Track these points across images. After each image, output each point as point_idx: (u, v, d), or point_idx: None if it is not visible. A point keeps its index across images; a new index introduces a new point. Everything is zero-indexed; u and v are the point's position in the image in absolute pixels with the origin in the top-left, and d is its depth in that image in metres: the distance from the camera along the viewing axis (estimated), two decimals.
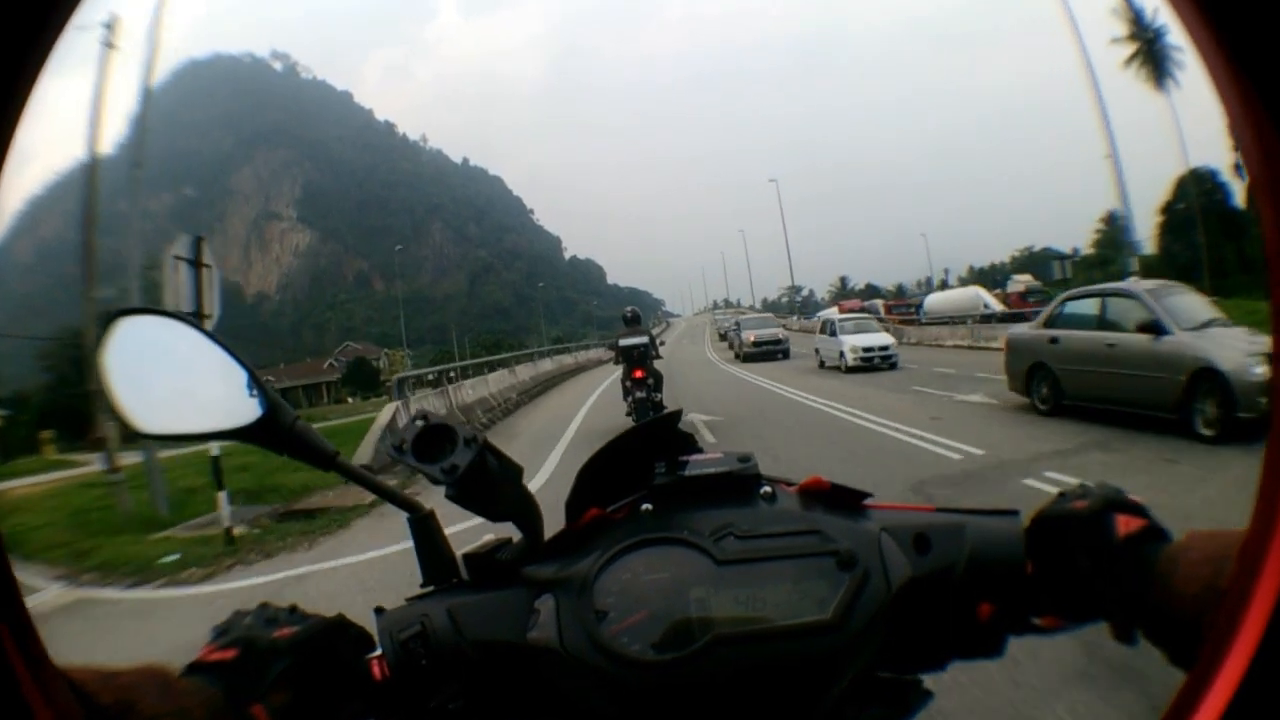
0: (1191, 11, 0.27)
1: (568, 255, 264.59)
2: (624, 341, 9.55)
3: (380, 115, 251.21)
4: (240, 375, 0.55)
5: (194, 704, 0.40)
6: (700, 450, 0.59)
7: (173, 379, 0.56)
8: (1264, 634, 0.27)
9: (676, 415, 0.59)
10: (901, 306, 40.63)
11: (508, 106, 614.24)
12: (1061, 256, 78.42)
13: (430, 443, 0.50)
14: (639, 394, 9.39)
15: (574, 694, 0.50)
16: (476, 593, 0.55)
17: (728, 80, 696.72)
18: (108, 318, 0.51)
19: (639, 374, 9.43)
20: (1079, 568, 0.46)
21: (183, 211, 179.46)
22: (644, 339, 9.57)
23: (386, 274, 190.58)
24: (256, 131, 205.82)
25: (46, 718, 0.27)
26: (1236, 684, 0.27)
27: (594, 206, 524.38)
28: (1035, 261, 77.75)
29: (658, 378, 9.64)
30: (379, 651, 0.52)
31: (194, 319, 0.53)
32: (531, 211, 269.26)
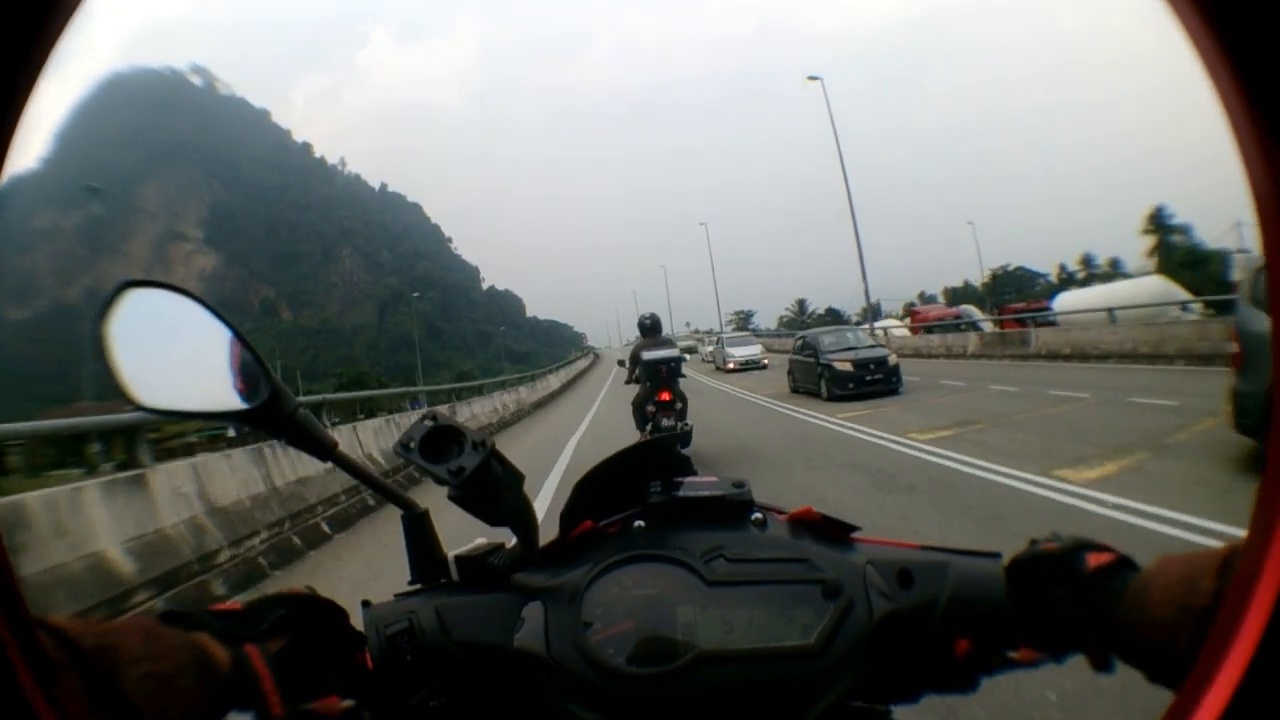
0: (1191, 11, 0.28)
1: (486, 286, 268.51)
2: (649, 355, 7.73)
3: (301, 137, 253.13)
4: (246, 358, 0.56)
5: (178, 645, 0.41)
6: (695, 472, 0.62)
7: (177, 355, 0.57)
8: (1260, 642, 0.28)
9: (677, 437, 0.65)
10: (1029, 312, 26.81)
11: (433, 134, 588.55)
12: (1039, 275, 73.11)
13: (437, 443, 0.53)
14: (665, 422, 7.66)
15: (558, 702, 0.52)
16: (465, 594, 0.57)
17: (658, 114, 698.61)
18: (115, 288, 0.51)
19: (666, 396, 7.72)
20: (1054, 600, 0.49)
21: (90, 230, 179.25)
22: (674, 352, 7.94)
23: (295, 302, 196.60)
24: (165, 146, 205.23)
25: (23, 668, 0.28)
26: (1233, 690, 0.28)
27: (516, 237, 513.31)
28: (1012, 281, 73.50)
29: (684, 401, 7.94)
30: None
31: (202, 298, 0.55)
32: (450, 240, 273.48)
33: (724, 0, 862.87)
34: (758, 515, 0.59)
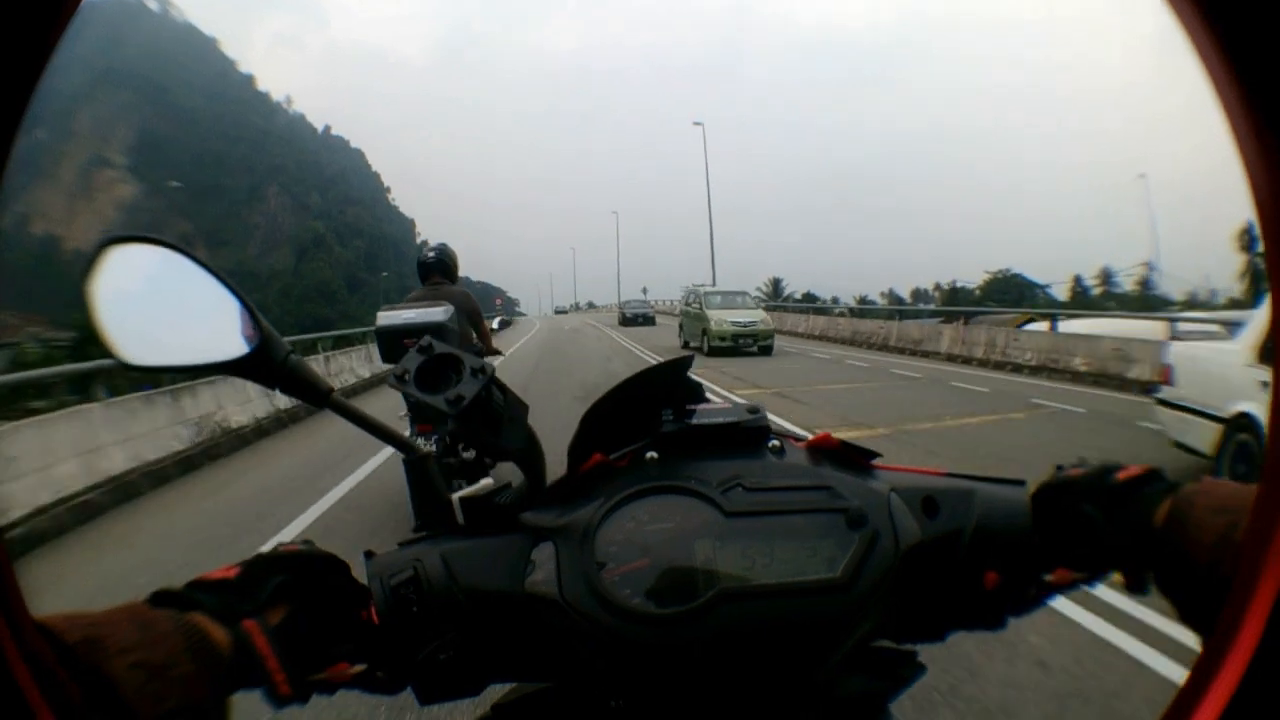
0: (1191, 11, 0.29)
1: (421, 240, 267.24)
2: (386, 319, 3.67)
3: (250, 71, 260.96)
4: (234, 307, 0.56)
5: (171, 630, 0.40)
6: (707, 400, 0.60)
7: (163, 310, 0.57)
8: (1269, 621, 0.28)
9: (687, 361, 0.60)
10: None
11: (389, 84, 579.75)
12: (1039, 286, 68.63)
13: (435, 373, 0.52)
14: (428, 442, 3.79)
15: (572, 647, 0.51)
16: (472, 539, 0.56)
17: (617, 78, 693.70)
18: (97, 246, 0.51)
19: (427, 428, 3.93)
20: (1084, 518, 0.49)
21: (34, 156, 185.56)
22: (434, 314, 3.56)
23: (212, 240, 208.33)
24: (105, 69, 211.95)
25: (20, 667, 0.29)
26: (1245, 668, 0.28)
27: (460, 194, 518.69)
28: (1010, 287, 68.83)
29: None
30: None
31: (187, 248, 0.55)
32: (389, 190, 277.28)
33: None
34: (775, 442, 0.58)
